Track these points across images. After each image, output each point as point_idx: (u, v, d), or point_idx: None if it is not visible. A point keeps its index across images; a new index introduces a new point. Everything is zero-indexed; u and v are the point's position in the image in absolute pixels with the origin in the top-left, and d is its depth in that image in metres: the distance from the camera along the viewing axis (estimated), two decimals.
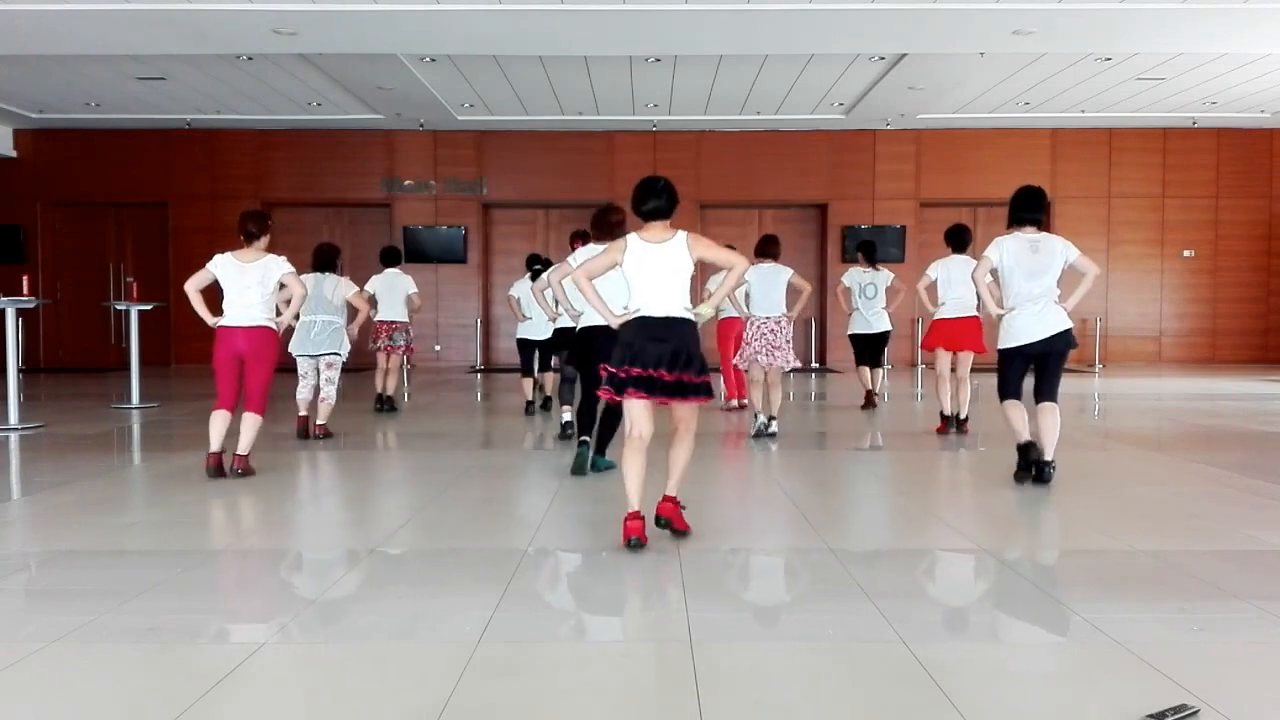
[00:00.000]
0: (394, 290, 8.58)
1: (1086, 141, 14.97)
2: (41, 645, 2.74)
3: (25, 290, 7.74)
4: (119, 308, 10.44)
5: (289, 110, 13.85)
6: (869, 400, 9.00)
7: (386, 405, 8.64)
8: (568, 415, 6.93)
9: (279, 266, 5.48)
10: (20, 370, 8.48)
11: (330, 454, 6.49)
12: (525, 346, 8.60)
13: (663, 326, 3.91)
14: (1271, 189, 15.15)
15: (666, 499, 4.00)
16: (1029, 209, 5.17)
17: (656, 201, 3.99)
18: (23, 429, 7.44)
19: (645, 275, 3.96)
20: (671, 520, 3.97)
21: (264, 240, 5.52)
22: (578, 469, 5.49)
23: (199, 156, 14.90)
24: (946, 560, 3.89)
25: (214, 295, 5.43)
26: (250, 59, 11.16)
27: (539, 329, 8.33)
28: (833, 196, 15.01)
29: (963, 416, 7.36)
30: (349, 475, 5.83)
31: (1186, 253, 15.19)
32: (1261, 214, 15.19)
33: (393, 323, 8.55)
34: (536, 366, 8.68)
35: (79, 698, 2.43)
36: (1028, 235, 5.14)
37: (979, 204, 15.21)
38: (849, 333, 9.07)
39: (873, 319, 8.82)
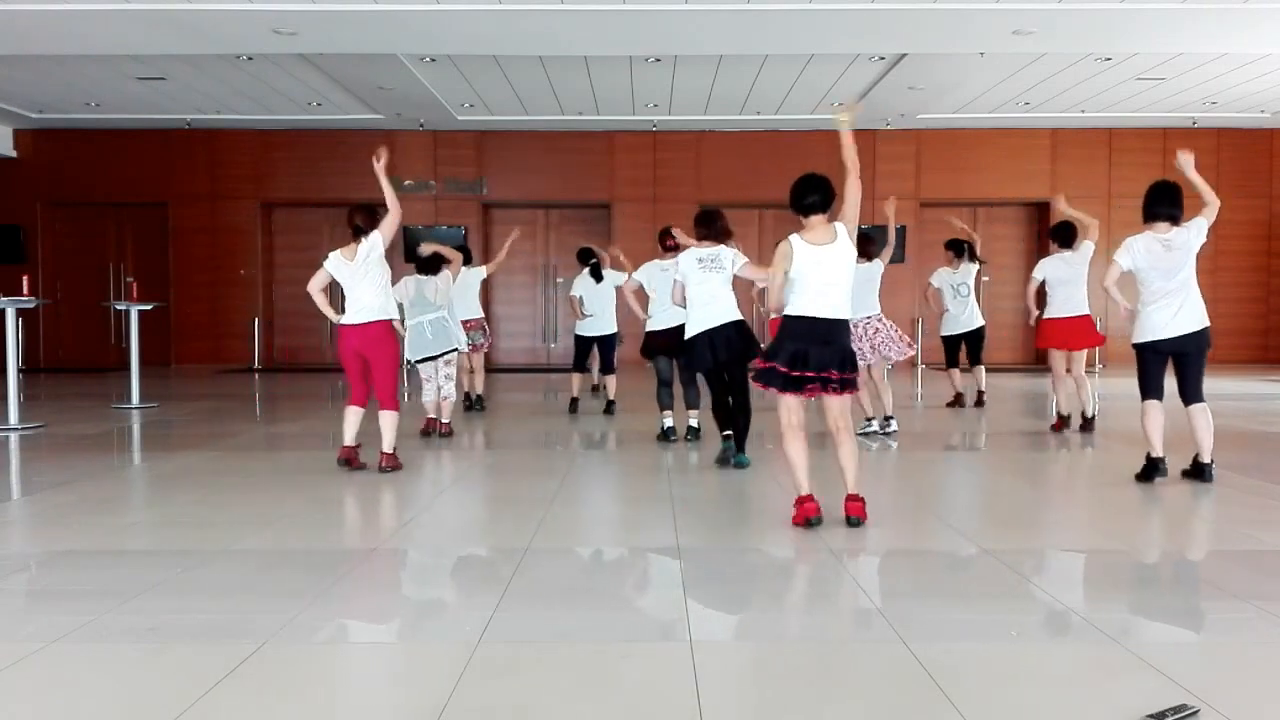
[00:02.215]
0: (468, 288, 8.49)
1: (1086, 141, 14.96)
2: (41, 645, 2.74)
3: (25, 290, 7.74)
4: (119, 308, 10.44)
5: (289, 110, 13.84)
6: (957, 400, 8.99)
7: (477, 404, 8.79)
8: (669, 420, 6.79)
9: (372, 241, 5.47)
10: (20, 370, 8.48)
11: (328, 453, 6.47)
12: (583, 343, 8.55)
13: (827, 329, 4.09)
14: (1271, 189, 15.14)
15: (852, 498, 4.16)
16: (1163, 204, 5.06)
17: (814, 196, 4.21)
18: (23, 429, 7.44)
19: (812, 278, 4.12)
20: (861, 517, 4.13)
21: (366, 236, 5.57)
22: (724, 460, 5.75)
23: (199, 156, 14.89)
24: (946, 560, 3.88)
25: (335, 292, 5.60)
26: (250, 59, 11.16)
27: (600, 326, 8.34)
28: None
29: (1090, 414, 7.25)
30: (347, 475, 5.82)
31: None
32: (1261, 214, 15.18)
33: (468, 320, 8.46)
34: (599, 367, 8.62)
35: (79, 698, 2.43)
36: (1160, 234, 5.05)
37: (979, 204, 15.21)
38: (942, 334, 9.06)
39: (965, 317, 8.77)
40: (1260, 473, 5.57)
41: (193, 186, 14.97)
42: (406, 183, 14.99)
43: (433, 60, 11.24)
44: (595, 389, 9.81)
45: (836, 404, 4.16)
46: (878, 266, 7.26)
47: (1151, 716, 2.21)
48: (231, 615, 3.06)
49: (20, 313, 8.02)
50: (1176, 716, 2.20)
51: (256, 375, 13.57)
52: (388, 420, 5.59)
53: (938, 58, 11.04)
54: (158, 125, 14.51)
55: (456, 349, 7.13)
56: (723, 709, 2.32)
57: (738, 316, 5.68)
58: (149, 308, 9.85)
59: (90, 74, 11.97)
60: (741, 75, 12.02)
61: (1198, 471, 5.14)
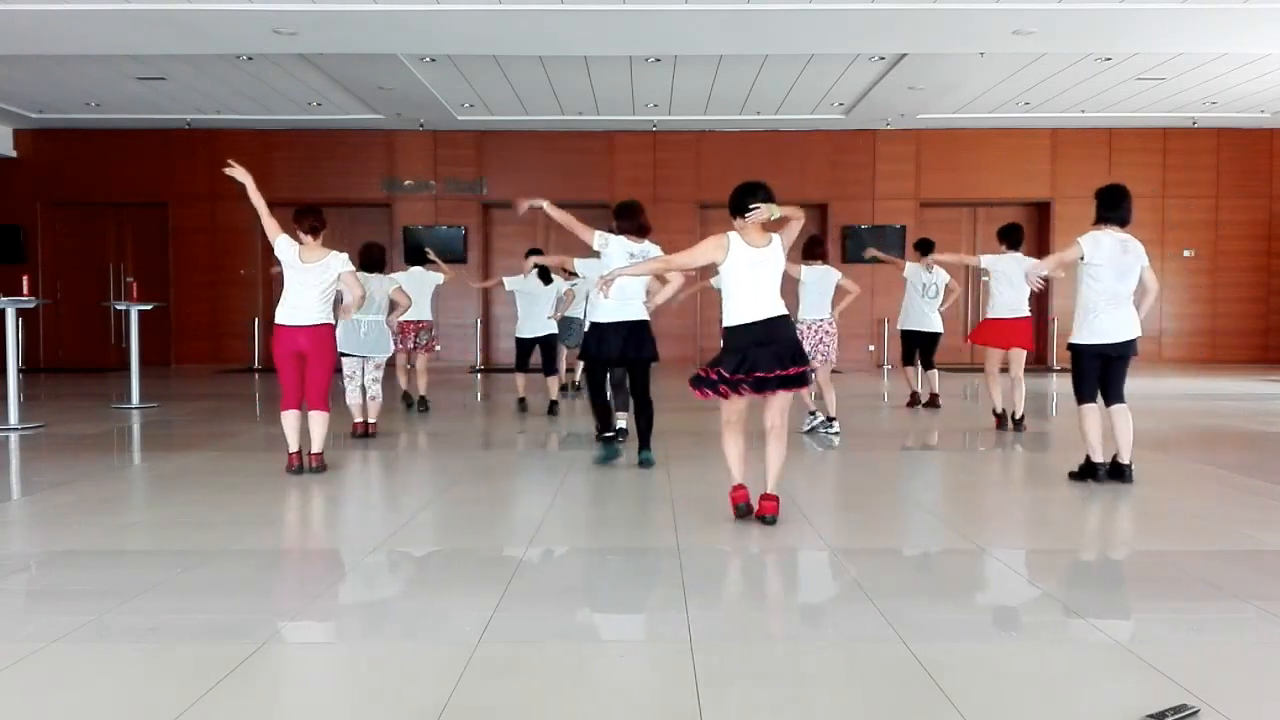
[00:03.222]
0: (422, 289, 8.53)
1: (1086, 141, 14.96)
2: (41, 645, 2.74)
3: (25, 290, 7.74)
4: (119, 308, 10.44)
5: (289, 110, 13.85)
6: (914, 400, 9.02)
7: (421, 405, 8.74)
8: (623, 421, 6.60)
9: (340, 265, 5.56)
10: (20, 370, 8.48)
11: (330, 455, 6.48)
12: (522, 345, 8.64)
13: (766, 328, 4.15)
14: (1271, 189, 15.15)
15: (767, 497, 4.22)
16: (1118, 207, 5.14)
17: (755, 200, 4.18)
18: (23, 429, 7.44)
19: (747, 280, 4.17)
20: (775, 514, 4.20)
21: (322, 235, 5.65)
22: (606, 460, 5.74)
23: (199, 156, 14.88)
24: (947, 560, 3.88)
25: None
26: (250, 59, 11.16)
27: (540, 327, 8.38)
28: (833, 196, 15.00)
29: (1019, 415, 7.32)
30: (347, 475, 5.82)
31: (1187, 253, 15.18)
32: (1261, 214, 15.19)
33: (419, 322, 8.56)
34: (544, 368, 8.67)
35: (79, 698, 2.43)
36: (1117, 234, 5.12)
37: (979, 204, 15.22)
38: (903, 328, 9.03)
39: (932, 317, 8.80)
40: (1260, 473, 5.57)
41: (193, 186, 14.97)
42: (406, 183, 15.00)
43: (433, 60, 11.24)
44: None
45: (778, 402, 4.21)
46: (834, 274, 7.26)
47: (1151, 716, 2.21)
48: (231, 615, 3.06)
49: (20, 313, 8.03)
50: (1176, 716, 2.20)
51: (256, 375, 13.56)
52: (320, 420, 5.56)
53: (938, 58, 11.04)
54: (158, 125, 14.51)
55: (386, 355, 7.26)
56: (723, 709, 2.32)
57: (645, 317, 5.72)
58: (149, 308, 9.85)
59: (90, 74, 11.97)
60: (741, 75, 12.02)
61: (1117, 472, 5.17)
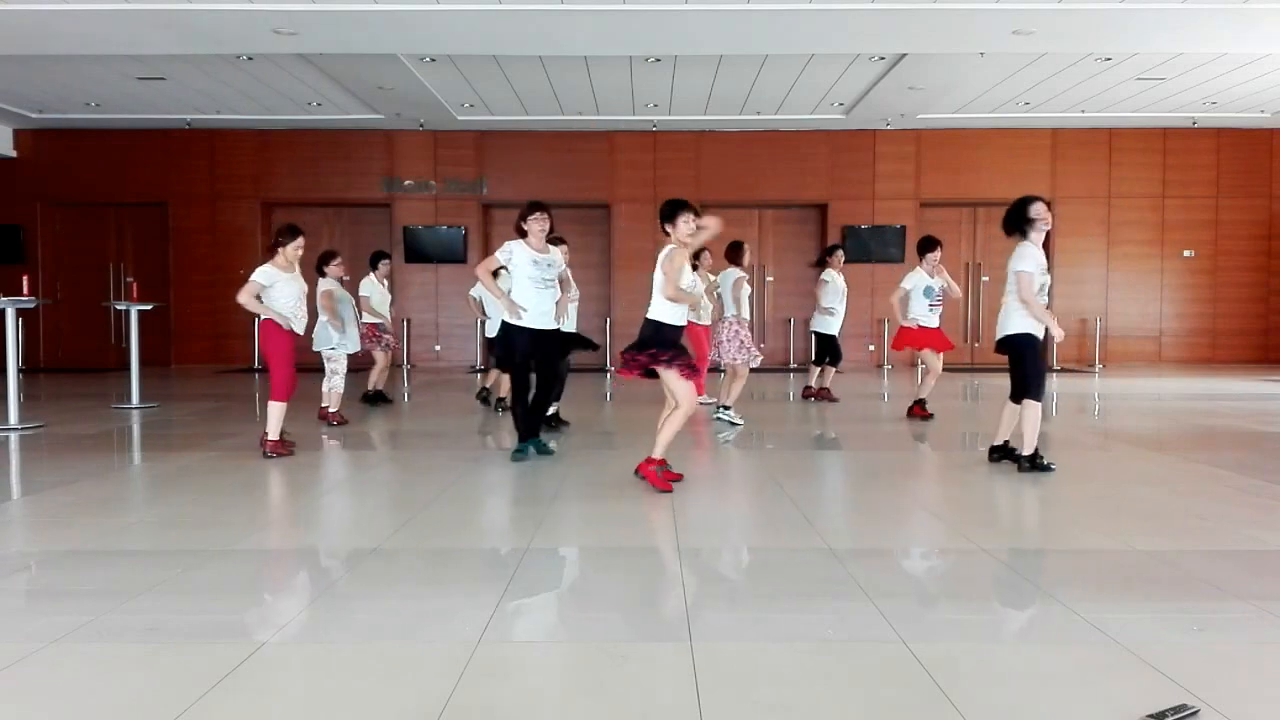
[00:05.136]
0: (384, 299, 9.05)
1: (1086, 141, 14.97)
2: (41, 645, 2.74)
3: (25, 290, 7.74)
4: (119, 308, 10.45)
5: (289, 110, 13.85)
6: (823, 392, 9.70)
7: (379, 399, 9.27)
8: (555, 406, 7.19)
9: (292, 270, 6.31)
10: (20, 370, 8.48)
11: (328, 452, 6.49)
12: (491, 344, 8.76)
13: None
14: (1271, 189, 15.15)
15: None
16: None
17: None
18: (23, 429, 7.44)
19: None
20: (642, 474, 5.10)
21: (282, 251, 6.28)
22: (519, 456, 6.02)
23: (199, 156, 14.91)
24: (946, 560, 3.88)
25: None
26: (250, 59, 11.16)
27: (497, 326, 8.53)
28: (833, 196, 15.01)
29: (922, 398, 8.20)
30: (347, 475, 5.83)
31: (1186, 253, 15.19)
32: (1261, 214, 15.19)
33: (375, 324, 9.13)
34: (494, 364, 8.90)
35: (79, 698, 2.43)
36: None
37: (979, 204, 15.22)
38: (832, 332, 9.48)
39: (843, 321, 9.59)
40: (1260, 473, 5.57)
41: (193, 186, 14.98)
42: (406, 183, 15.00)
43: (433, 60, 11.24)
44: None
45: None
46: (734, 273, 8.03)
47: (1151, 716, 2.21)
48: (231, 615, 3.06)
49: (20, 313, 8.03)
50: (1176, 716, 2.21)
51: (256, 375, 13.56)
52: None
53: (938, 58, 11.05)
54: (158, 125, 14.52)
55: (333, 349, 7.85)
56: (723, 709, 2.32)
57: (554, 326, 6.01)
58: (149, 308, 9.85)
59: (90, 74, 11.97)
60: (741, 75, 12.03)
61: (1005, 453, 5.80)
